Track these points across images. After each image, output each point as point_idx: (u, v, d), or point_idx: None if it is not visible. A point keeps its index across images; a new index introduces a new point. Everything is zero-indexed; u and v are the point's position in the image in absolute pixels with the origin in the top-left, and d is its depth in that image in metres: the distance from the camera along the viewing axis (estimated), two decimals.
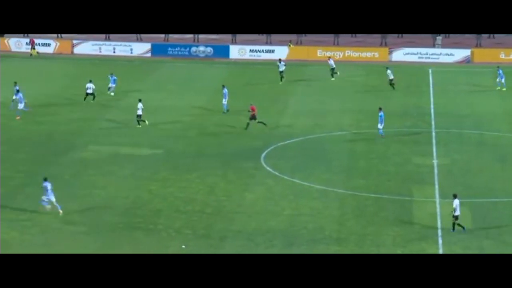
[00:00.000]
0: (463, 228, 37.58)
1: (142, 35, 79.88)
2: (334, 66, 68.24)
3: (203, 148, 50.01)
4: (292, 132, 53.73)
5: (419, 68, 74.02)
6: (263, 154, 48.92)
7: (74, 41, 78.36)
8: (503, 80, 64.93)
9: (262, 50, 77.77)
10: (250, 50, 77.63)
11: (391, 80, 64.87)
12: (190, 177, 44.77)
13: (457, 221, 37.52)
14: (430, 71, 72.54)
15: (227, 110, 57.08)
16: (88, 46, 78.12)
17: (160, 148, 49.65)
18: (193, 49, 77.94)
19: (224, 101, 57.26)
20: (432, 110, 59.75)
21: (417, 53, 77.32)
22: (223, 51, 77.68)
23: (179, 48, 78.00)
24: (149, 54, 77.86)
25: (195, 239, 36.94)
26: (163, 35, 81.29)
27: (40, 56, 76.12)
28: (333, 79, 67.68)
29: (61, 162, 46.85)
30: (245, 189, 43.19)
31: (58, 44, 78.30)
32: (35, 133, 51.99)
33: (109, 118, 55.72)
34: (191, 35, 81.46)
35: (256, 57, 77.29)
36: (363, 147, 51.00)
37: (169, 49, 78.00)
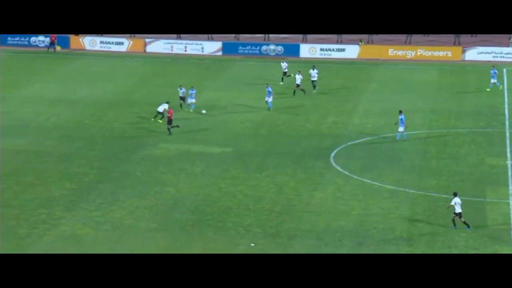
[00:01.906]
0: (468, 226, 37.48)
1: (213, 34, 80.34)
2: (286, 69, 65.33)
3: (273, 147, 50.02)
4: (362, 132, 53.34)
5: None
6: (333, 154, 48.69)
7: (147, 40, 79.27)
8: (494, 80, 63.04)
9: (333, 49, 77.41)
10: (321, 48, 77.36)
11: (313, 81, 62.41)
12: (260, 175, 44.83)
13: (461, 219, 37.43)
14: (504, 70, 71.16)
15: (270, 108, 57.02)
16: (160, 45, 78.93)
17: (230, 147, 49.84)
18: (264, 47, 78.04)
19: (268, 99, 57.08)
20: (506, 110, 58.61)
21: (491, 52, 75.94)
22: (293, 50, 77.59)
23: (249, 47, 78.21)
24: (220, 53, 78.27)
25: (264, 238, 36.96)
26: (233, 34, 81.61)
27: (111, 54, 77.19)
28: (281, 83, 64.26)
29: (133, 160, 47.43)
30: (315, 188, 43.04)
31: (131, 42, 79.31)
32: (107, 131, 52.74)
33: (180, 116, 56.15)
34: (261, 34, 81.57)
35: (326, 56, 76.98)
36: (435, 147, 50.33)
37: (240, 47, 78.28)
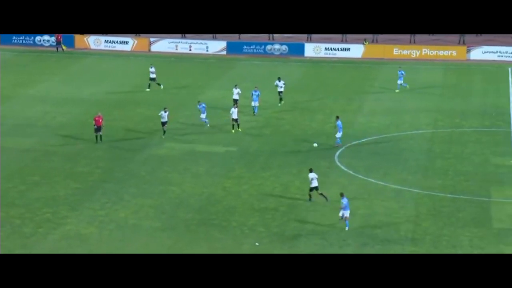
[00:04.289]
0: (326, 198, 39.58)
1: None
2: (154, 76, 62.58)
3: (278, 146, 50.02)
4: (367, 131, 53.31)
5: (498, 67, 72.59)
6: (338, 153, 48.68)
7: (151, 39, 79.34)
8: (401, 81, 62.60)
9: (338, 48, 77.39)
10: (325, 48, 77.33)
11: (280, 92, 58.53)
12: (265, 175, 44.84)
13: (318, 192, 39.37)
14: (509, 70, 71.07)
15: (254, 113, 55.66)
16: (165, 44, 79.00)
17: (235, 146, 49.86)
18: (268, 47, 78.04)
19: (255, 103, 55.48)
20: (511, 110, 58.53)
21: (496, 52, 75.84)
22: (298, 49, 77.58)
23: (254, 46, 78.23)
24: (224, 52, 78.29)
25: (268, 237, 36.97)
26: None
27: (116, 53, 77.28)
28: (148, 89, 62.07)
29: (138, 159, 47.47)
30: (320, 187, 43.00)
31: (135, 42, 79.38)
32: (112, 130, 52.78)
33: (185, 116, 56.19)
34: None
35: (331, 55, 76.95)
36: (440, 146, 50.29)
37: (244, 47, 78.29)
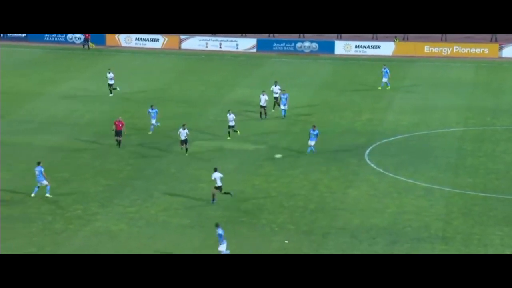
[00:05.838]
0: (231, 194, 39.76)
1: None
2: (113, 81, 60.47)
3: (307, 144, 49.87)
4: (397, 129, 53.01)
5: None
6: (367, 151, 48.45)
7: (182, 37, 79.53)
8: (385, 79, 61.98)
9: (368, 46, 77.04)
10: (356, 45, 77.00)
11: (275, 98, 55.35)
12: (294, 172, 44.74)
13: (221, 192, 39.47)
14: None
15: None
16: (195, 42, 79.13)
17: (264, 144, 49.80)
18: (298, 44, 77.91)
19: (282, 107, 54.25)
20: None
21: None
22: (328, 47, 77.36)
23: (284, 44, 78.12)
24: (254, 50, 78.28)
25: (297, 235, 36.89)
26: None
27: (146, 51, 77.55)
28: (111, 94, 60.26)
29: (167, 156, 47.57)
30: (349, 185, 42.87)
31: (166, 39, 79.62)
32: (141, 127, 52.93)
33: (214, 113, 56.24)
34: None
35: (361, 53, 76.62)
36: (471, 144, 49.86)
37: (274, 44, 78.21)
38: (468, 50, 75.81)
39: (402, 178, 43.86)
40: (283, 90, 55.84)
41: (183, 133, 47.14)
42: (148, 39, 79.71)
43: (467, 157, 47.56)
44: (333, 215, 39.01)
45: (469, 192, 41.86)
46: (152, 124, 51.55)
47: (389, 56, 75.83)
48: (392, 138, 51.15)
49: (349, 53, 76.58)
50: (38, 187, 40.87)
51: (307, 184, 43.05)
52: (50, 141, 49.99)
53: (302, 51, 77.67)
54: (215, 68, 71.32)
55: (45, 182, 40.87)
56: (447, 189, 42.31)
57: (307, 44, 77.88)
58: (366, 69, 70.73)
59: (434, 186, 42.65)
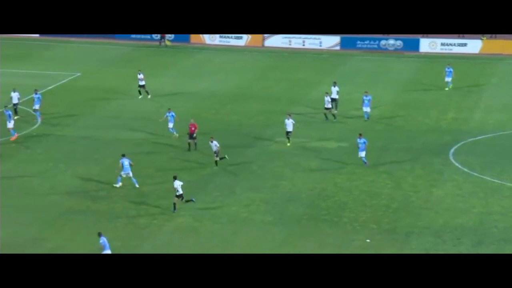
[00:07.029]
0: (193, 200, 39.02)
1: None
2: (143, 82, 58.83)
3: (391, 142, 49.39)
4: (483, 128, 52.00)
5: None
6: (452, 150, 47.67)
7: (265, 34, 79.75)
8: (449, 79, 59.75)
9: (454, 44, 75.74)
10: (442, 43, 75.82)
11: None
12: (377, 171, 44.35)
13: (183, 200, 38.74)
14: None
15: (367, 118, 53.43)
16: (279, 39, 79.21)
17: (347, 141, 49.50)
18: (383, 42, 77.15)
19: (365, 109, 53.09)
20: None
21: None
22: (413, 44, 76.37)
23: (368, 41, 77.49)
24: (338, 47, 77.90)
25: (380, 234, 36.59)
26: None
27: (230, 48, 78.04)
28: (141, 96, 58.66)
29: (249, 153, 47.77)
30: (433, 184, 42.27)
31: (249, 37, 79.98)
32: (225, 124, 53.28)
33: (297, 111, 56.16)
34: None
35: (447, 51, 75.39)
36: None
37: (358, 42, 77.66)
38: None
39: (488, 178, 43.01)
40: (366, 92, 55.02)
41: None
42: (232, 36, 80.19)
43: None
44: (416, 214, 38.54)
45: None
46: (170, 128, 50.06)
47: (476, 54, 74.42)
48: (478, 137, 50.20)
49: (434, 51, 75.46)
50: (121, 176, 41.67)
51: (390, 183, 42.63)
52: (136, 137, 50.77)
53: (386, 48, 76.89)
54: (298, 65, 71.22)
55: (131, 174, 41.72)
56: None
57: (391, 41, 77.06)
58: (452, 67, 69.47)
59: None
